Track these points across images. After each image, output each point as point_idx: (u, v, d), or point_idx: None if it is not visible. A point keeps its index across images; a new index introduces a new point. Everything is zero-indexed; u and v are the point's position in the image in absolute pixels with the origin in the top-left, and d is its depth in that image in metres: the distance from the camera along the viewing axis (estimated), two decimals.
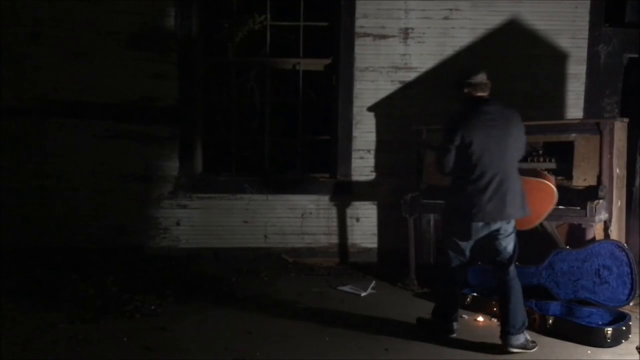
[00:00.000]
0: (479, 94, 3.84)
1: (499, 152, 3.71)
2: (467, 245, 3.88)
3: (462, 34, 5.88)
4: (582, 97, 5.94)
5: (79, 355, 3.69)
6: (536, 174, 4.47)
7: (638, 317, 4.36)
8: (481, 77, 3.86)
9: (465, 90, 3.85)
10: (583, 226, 4.46)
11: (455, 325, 4.04)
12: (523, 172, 4.01)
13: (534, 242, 4.49)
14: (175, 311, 4.47)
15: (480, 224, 3.74)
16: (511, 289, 3.80)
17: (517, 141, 3.79)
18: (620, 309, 4.25)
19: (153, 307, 4.50)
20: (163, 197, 5.94)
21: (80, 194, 5.85)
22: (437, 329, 4.04)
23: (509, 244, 3.82)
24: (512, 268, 3.83)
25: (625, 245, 4.43)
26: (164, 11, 5.78)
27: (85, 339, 3.91)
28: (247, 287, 5.12)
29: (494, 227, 3.76)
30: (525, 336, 3.80)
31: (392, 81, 5.93)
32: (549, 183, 4.34)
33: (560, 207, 4.41)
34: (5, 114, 5.72)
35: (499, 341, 3.86)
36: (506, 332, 3.78)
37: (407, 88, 5.93)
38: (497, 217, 3.71)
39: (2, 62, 5.67)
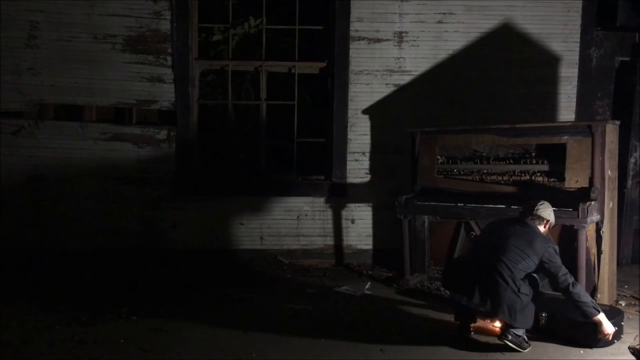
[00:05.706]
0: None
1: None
2: None
3: (455, 37, 5.94)
4: (574, 99, 6.00)
5: (75, 357, 3.69)
6: None
7: (630, 317, 4.42)
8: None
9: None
10: (575, 227, 4.49)
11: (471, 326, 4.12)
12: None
13: None
14: (171, 312, 4.48)
15: None
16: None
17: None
18: (613, 308, 4.30)
19: (149, 309, 4.52)
20: (159, 199, 5.95)
21: (77, 197, 5.86)
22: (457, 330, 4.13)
23: None
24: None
25: None
26: (160, 14, 5.82)
27: (81, 340, 3.92)
28: (243, 288, 5.14)
29: None
30: (524, 335, 3.88)
31: (386, 84, 5.97)
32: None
33: (553, 208, 4.44)
34: (2, 116, 5.74)
35: (492, 340, 3.92)
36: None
37: (401, 91, 5.98)
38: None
39: None
